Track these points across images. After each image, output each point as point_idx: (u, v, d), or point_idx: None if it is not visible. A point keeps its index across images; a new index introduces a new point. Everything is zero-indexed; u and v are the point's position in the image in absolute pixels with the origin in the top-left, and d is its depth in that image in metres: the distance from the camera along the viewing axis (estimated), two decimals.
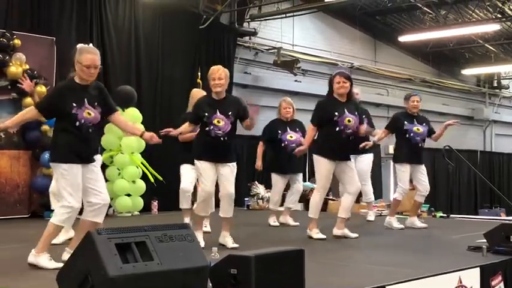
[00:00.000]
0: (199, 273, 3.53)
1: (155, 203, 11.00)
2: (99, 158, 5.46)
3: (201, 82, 12.29)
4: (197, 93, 7.79)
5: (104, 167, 10.39)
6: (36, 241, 5.06)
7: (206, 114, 6.13)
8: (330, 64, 16.35)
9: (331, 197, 12.52)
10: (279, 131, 8.38)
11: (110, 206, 10.54)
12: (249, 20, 14.11)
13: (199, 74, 12.32)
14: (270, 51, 14.83)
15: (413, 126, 8.13)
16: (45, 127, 9.63)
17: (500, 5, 15.83)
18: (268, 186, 12.19)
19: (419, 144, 8.18)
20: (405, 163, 8.12)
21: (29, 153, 9.76)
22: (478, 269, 5.04)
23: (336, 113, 6.82)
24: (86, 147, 5.12)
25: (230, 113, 6.18)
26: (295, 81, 15.22)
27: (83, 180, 5.05)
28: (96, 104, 5.13)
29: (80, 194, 5.01)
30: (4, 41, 9.41)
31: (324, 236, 6.97)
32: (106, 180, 10.31)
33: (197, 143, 6.36)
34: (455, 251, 6.06)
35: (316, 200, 7.03)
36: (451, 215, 10.69)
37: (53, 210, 9.59)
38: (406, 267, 5.10)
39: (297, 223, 8.53)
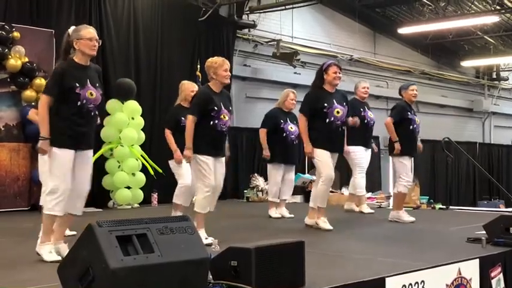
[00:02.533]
0: (199, 265, 3.54)
1: (155, 196, 11.01)
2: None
3: (200, 74, 12.29)
4: (188, 86, 7.75)
5: (103, 159, 10.43)
6: (37, 233, 5.08)
7: (215, 108, 5.97)
8: (329, 56, 16.30)
9: (330, 189, 12.54)
10: (281, 121, 8.42)
11: (110, 199, 10.59)
12: (248, 12, 14.08)
13: (198, 66, 12.33)
14: (270, 43, 14.82)
15: (414, 116, 8.01)
16: None
17: None
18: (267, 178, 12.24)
19: (417, 136, 8.11)
20: (406, 155, 7.90)
21: (29, 145, 9.75)
22: (477, 260, 5.05)
23: (326, 104, 6.82)
24: (86, 129, 5.01)
25: (230, 108, 6.16)
26: (295, 73, 15.20)
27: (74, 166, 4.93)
28: (97, 85, 5.07)
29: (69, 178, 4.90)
30: (3, 33, 9.40)
31: (331, 227, 6.95)
32: (106, 173, 10.43)
33: (201, 137, 5.98)
34: (454, 243, 6.07)
35: (322, 189, 6.92)
36: (450, 207, 10.70)
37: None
38: (406, 258, 5.11)
39: (292, 215, 8.52)
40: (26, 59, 9.56)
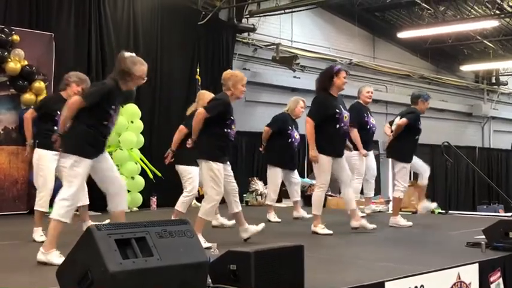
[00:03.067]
0: (198, 269, 3.53)
1: (154, 199, 11.01)
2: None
3: (199, 78, 12.31)
4: (206, 95, 7.76)
5: None
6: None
7: (232, 118, 6.16)
8: (328, 60, 16.32)
9: (329, 193, 12.54)
10: (290, 127, 8.56)
11: None
12: (248, 16, 14.10)
13: (197, 70, 12.35)
14: (269, 47, 14.83)
15: (421, 128, 8.11)
16: None
17: (499, 1, 15.80)
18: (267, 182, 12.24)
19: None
20: (409, 163, 8.02)
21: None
22: (477, 265, 5.05)
23: (337, 110, 6.92)
24: (104, 143, 5.29)
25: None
26: (294, 77, 15.21)
27: (100, 170, 5.20)
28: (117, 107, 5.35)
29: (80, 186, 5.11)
30: (3, 36, 9.38)
31: (330, 232, 7.00)
32: None
33: (214, 145, 6.06)
34: (453, 247, 6.07)
35: (318, 196, 7.06)
36: (450, 211, 10.70)
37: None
38: (405, 263, 5.11)
39: (310, 215, 8.28)
40: (26, 62, 9.55)
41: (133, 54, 5.42)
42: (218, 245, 5.30)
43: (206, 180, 6.03)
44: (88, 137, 5.07)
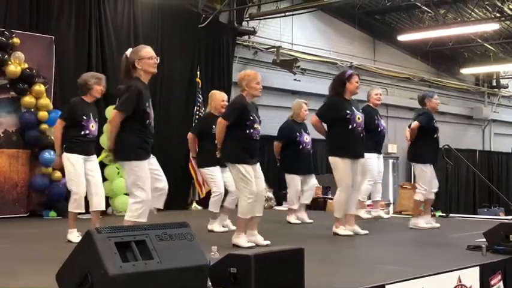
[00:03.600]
0: (199, 272, 3.52)
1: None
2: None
3: (199, 81, 12.31)
4: (218, 95, 7.83)
5: (102, 166, 10.40)
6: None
7: (251, 117, 6.17)
8: (329, 63, 16.36)
9: (330, 196, 12.54)
10: (297, 133, 8.64)
11: (109, 205, 10.56)
12: (248, 19, 14.09)
13: (198, 72, 12.35)
14: (269, 50, 14.82)
15: (437, 125, 8.16)
16: (44, 126, 9.63)
17: (500, 4, 15.83)
18: (271, 186, 12.26)
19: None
20: (429, 163, 8.05)
21: (28, 152, 9.75)
22: (478, 268, 5.04)
23: (348, 111, 7.01)
24: (151, 143, 5.49)
25: (260, 118, 6.34)
26: (295, 80, 15.20)
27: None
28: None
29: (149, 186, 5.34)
30: (3, 39, 9.38)
31: (351, 233, 7.13)
32: (105, 180, 10.40)
33: (238, 147, 6.13)
34: (454, 250, 6.06)
35: (341, 199, 7.09)
36: (450, 214, 10.68)
37: (51, 210, 9.64)
38: (406, 266, 5.10)
39: (311, 220, 8.85)
40: (26, 65, 9.56)
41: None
42: (218, 248, 5.30)
43: (236, 182, 6.20)
44: (138, 142, 5.34)
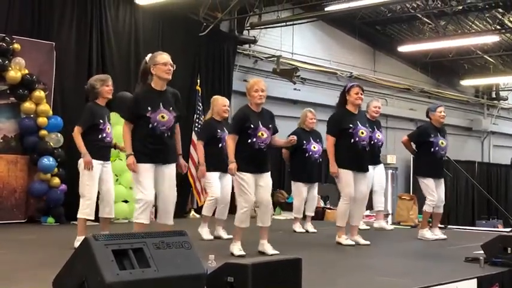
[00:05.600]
0: (196, 280, 3.52)
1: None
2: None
3: (200, 89, 12.32)
4: (221, 101, 7.84)
5: None
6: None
7: (252, 126, 6.17)
8: (329, 73, 16.38)
9: (328, 206, 12.53)
10: (304, 141, 8.66)
11: None
12: (249, 28, 14.12)
13: (198, 80, 12.35)
14: (270, 59, 14.85)
15: (439, 139, 8.18)
16: (43, 132, 9.62)
17: (500, 17, 15.87)
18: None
19: (443, 158, 8.30)
20: (428, 177, 8.09)
21: (27, 158, 9.73)
22: (475, 280, 5.03)
23: (351, 125, 7.06)
24: (162, 149, 5.53)
25: (270, 126, 6.34)
26: (295, 89, 15.23)
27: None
28: (171, 108, 5.56)
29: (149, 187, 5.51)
30: (4, 45, 9.39)
31: (353, 242, 7.18)
32: None
33: (240, 155, 6.14)
34: (452, 262, 6.05)
35: (342, 209, 7.15)
36: (449, 226, 10.68)
37: (48, 216, 9.61)
38: (404, 277, 5.09)
39: (315, 230, 8.91)
40: (26, 71, 9.55)
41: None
42: (216, 256, 5.29)
43: (235, 189, 6.25)
44: (136, 146, 5.47)
